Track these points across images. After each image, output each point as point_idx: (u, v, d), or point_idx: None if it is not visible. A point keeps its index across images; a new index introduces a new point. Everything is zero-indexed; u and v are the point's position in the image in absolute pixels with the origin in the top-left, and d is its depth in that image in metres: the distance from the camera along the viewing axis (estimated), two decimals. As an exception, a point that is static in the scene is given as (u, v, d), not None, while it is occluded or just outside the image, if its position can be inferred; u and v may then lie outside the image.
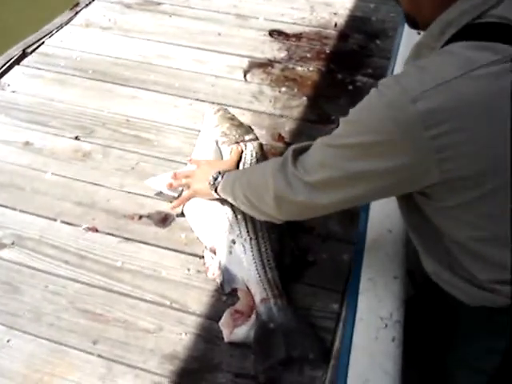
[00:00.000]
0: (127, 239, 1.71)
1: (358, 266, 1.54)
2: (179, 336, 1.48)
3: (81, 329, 1.50)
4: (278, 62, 2.56)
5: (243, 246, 1.59)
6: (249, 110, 2.26)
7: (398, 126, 1.02)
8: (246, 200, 1.45)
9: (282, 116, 2.24)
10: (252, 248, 1.59)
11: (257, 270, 1.55)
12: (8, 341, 1.47)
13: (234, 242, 1.61)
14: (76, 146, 2.07)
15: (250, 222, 1.62)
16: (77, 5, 2.97)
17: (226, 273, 1.58)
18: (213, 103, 2.25)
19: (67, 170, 1.96)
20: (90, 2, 2.99)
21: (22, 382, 1.39)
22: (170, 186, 1.79)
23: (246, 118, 2.15)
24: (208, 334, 1.49)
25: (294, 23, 2.87)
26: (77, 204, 1.84)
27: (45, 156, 2.02)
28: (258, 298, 1.51)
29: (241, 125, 1.98)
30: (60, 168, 1.97)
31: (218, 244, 1.64)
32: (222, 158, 1.85)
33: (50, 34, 2.72)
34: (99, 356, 1.44)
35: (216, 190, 1.61)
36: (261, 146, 1.92)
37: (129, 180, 1.92)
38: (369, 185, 1.13)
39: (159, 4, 2.99)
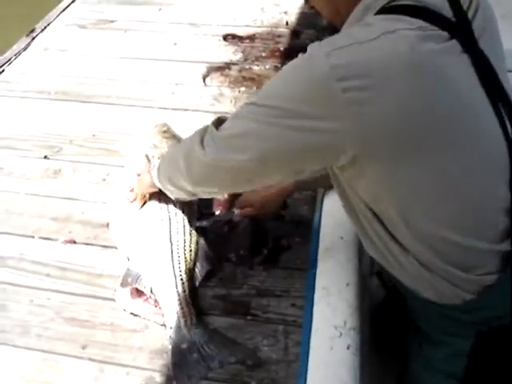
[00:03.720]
0: (105, 247, 1.76)
1: (312, 276, 1.57)
2: (165, 330, 1.52)
3: (69, 336, 1.54)
4: (235, 64, 2.63)
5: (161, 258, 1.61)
6: (211, 112, 2.31)
7: (313, 82, 1.03)
8: (165, 175, 1.45)
9: (244, 114, 2.29)
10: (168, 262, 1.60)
11: (170, 288, 1.55)
12: (-1, 356, 1.51)
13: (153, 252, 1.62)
14: (46, 164, 2.11)
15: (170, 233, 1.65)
16: (33, 31, 3.01)
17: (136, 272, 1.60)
18: (175, 110, 2.31)
19: (40, 188, 2.01)
20: (45, 27, 3.04)
21: (18, 393, 1.43)
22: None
23: (208, 121, 2.20)
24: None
25: (247, 25, 2.94)
26: (53, 219, 1.88)
27: (16, 178, 2.06)
28: (167, 320, 1.52)
29: (173, 137, 1.93)
30: (32, 187, 2.01)
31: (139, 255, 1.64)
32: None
33: (8, 61, 2.76)
34: (90, 359, 1.48)
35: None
36: None
37: (101, 191, 1.96)
38: (281, 147, 1.11)
39: (112, 22, 3.05)
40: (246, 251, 1.71)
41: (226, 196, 1.75)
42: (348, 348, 1.38)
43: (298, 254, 1.71)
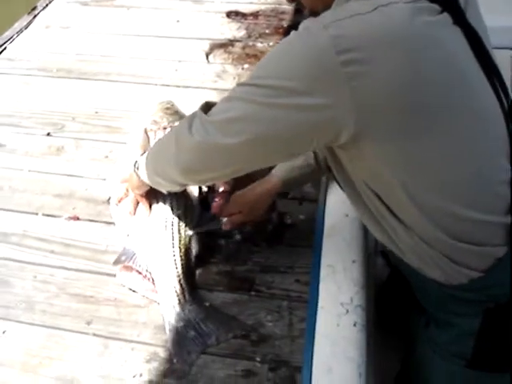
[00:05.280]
0: (109, 223, 1.75)
1: (318, 254, 1.57)
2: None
3: (73, 312, 1.54)
4: (238, 41, 2.62)
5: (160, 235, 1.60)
6: (214, 89, 2.30)
7: (310, 55, 1.00)
8: (153, 168, 1.40)
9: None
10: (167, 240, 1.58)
11: (165, 266, 1.54)
12: (4, 332, 1.50)
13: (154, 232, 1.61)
14: (49, 141, 2.10)
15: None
16: (34, 8, 2.99)
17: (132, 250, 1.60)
18: (178, 87, 2.30)
19: (43, 165, 2.00)
20: (46, 5, 3.02)
21: (21, 369, 1.42)
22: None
23: (212, 97, 2.19)
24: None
25: (250, 2, 2.92)
26: (56, 196, 1.87)
27: (19, 155, 2.05)
28: (162, 297, 1.52)
29: (175, 113, 1.90)
30: (36, 164, 2.00)
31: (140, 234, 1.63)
32: (149, 145, 1.78)
33: (10, 39, 2.74)
34: (94, 335, 1.48)
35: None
36: None
37: (104, 168, 1.95)
38: (278, 128, 1.07)
39: (115, -1, 3.03)
40: (250, 228, 1.71)
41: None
42: (355, 325, 1.38)
43: (302, 231, 1.71)
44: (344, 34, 0.98)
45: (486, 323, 1.21)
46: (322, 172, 1.58)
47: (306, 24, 1.03)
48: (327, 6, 1.10)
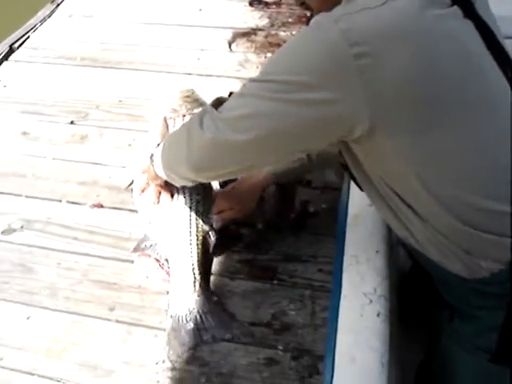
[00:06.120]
0: (132, 211, 1.75)
1: (341, 244, 1.56)
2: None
3: (97, 298, 1.55)
4: (261, 30, 2.61)
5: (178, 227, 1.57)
6: (237, 77, 2.30)
7: (322, 50, 1.00)
8: (166, 163, 1.38)
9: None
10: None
11: (185, 256, 1.53)
12: (28, 318, 1.52)
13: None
14: (72, 130, 2.12)
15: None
16: (57, -3, 3.01)
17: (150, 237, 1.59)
18: (200, 75, 2.30)
19: (66, 153, 2.01)
20: (69, -6, 3.03)
21: (46, 355, 1.44)
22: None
23: (234, 86, 2.19)
24: (220, 290, 1.54)
25: (273, -9, 2.91)
26: (80, 184, 1.89)
27: (43, 143, 2.07)
28: (173, 283, 1.51)
29: (195, 101, 1.84)
30: (59, 152, 2.02)
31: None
32: (168, 133, 1.73)
33: (34, 27, 2.76)
34: (117, 321, 1.49)
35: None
36: None
37: (127, 156, 1.96)
38: (290, 124, 1.06)
39: (138, -13, 3.03)
40: (272, 216, 1.70)
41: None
42: (378, 315, 1.38)
43: (325, 219, 1.70)
44: (354, 28, 0.98)
45: (510, 317, 1.20)
46: (313, 166, 1.59)
47: (316, 19, 1.03)
48: (334, 6, 1.08)
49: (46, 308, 1.54)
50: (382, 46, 0.98)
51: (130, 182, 1.79)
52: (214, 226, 1.59)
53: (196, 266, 1.52)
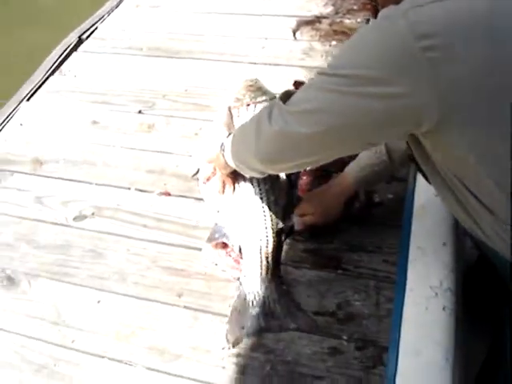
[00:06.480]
0: (199, 199, 1.79)
1: (407, 235, 1.54)
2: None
3: (165, 284, 1.59)
4: (326, 18, 2.59)
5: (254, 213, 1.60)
6: (301, 66, 2.30)
7: (389, 42, 0.99)
8: (236, 154, 1.41)
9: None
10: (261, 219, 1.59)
11: (260, 243, 1.55)
12: (99, 302, 1.57)
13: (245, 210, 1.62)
14: (140, 119, 2.16)
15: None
16: (125, -12, 3.06)
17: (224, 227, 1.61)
18: (265, 64, 2.31)
19: (135, 142, 2.06)
20: (136, -16, 3.08)
21: (115, 337, 1.49)
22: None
23: (299, 75, 2.20)
24: (286, 278, 1.55)
25: (338, -22, 2.88)
26: (148, 172, 1.93)
27: (112, 132, 2.12)
28: (245, 267, 1.54)
29: (258, 89, 1.86)
30: (128, 141, 2.07)
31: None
32: (232, 123, 1.79)
33: (101, 18, 2.82)
34: (185, 307, 1.53)
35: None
36: None
37: (194, 145, 1.99)
38: (358, 118, 1.06)
39: (203, -23, 3.05)
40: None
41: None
42: (444, 309, 1.37)
43: (391, 210, 1.69)
44: (423, 20, 0.96)
45: None
46: (394, 168, 1.59)
47: (384, 12, 1.02)
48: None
49: (115, 293, 1.59)
50: (453, 38, 0.96)
51: (196, 170, 1.83)
52: (296, 227, 1.63)
53: (270, 255, 1.54)
